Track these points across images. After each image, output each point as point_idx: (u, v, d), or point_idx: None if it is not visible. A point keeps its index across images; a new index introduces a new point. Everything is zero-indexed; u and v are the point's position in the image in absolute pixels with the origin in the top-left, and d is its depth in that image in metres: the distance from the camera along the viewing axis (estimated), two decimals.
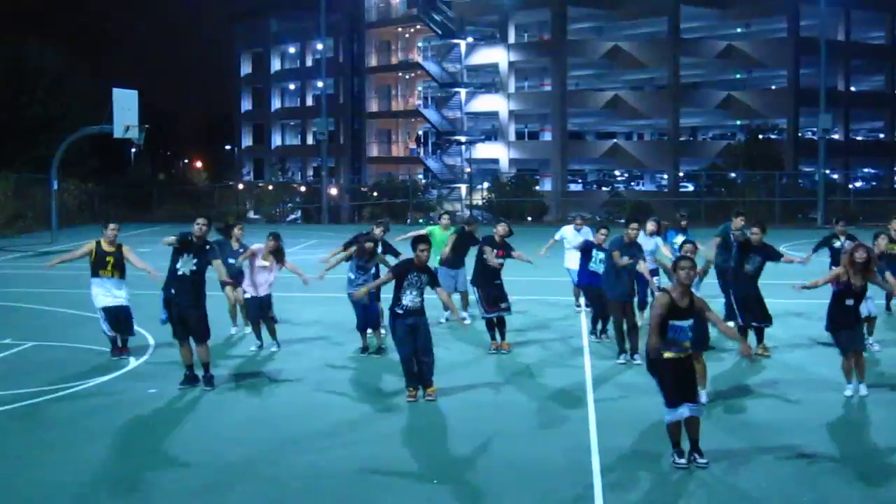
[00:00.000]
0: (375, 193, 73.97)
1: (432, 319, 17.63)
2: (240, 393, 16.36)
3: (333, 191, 78.39)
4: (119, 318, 18.71)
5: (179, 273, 16.25)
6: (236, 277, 20.55)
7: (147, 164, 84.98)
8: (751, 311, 18.71)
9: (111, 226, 18.83)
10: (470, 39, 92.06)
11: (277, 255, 19.57)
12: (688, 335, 12.50)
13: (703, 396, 14.02)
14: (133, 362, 18.34)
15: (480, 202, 69.71)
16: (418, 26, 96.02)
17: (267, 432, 13.99)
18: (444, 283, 21.68)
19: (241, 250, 20.72)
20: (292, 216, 73.29)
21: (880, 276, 16.73)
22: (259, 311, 19.71)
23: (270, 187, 78.46)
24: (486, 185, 73.51)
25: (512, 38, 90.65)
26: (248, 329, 20.88)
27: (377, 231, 20.38)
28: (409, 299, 15.57)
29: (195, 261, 16.25)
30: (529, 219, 64.55)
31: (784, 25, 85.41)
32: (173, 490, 11.75)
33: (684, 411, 12.36)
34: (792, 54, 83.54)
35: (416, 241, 15.85)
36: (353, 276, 19.05)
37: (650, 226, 21.93)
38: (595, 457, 12.75)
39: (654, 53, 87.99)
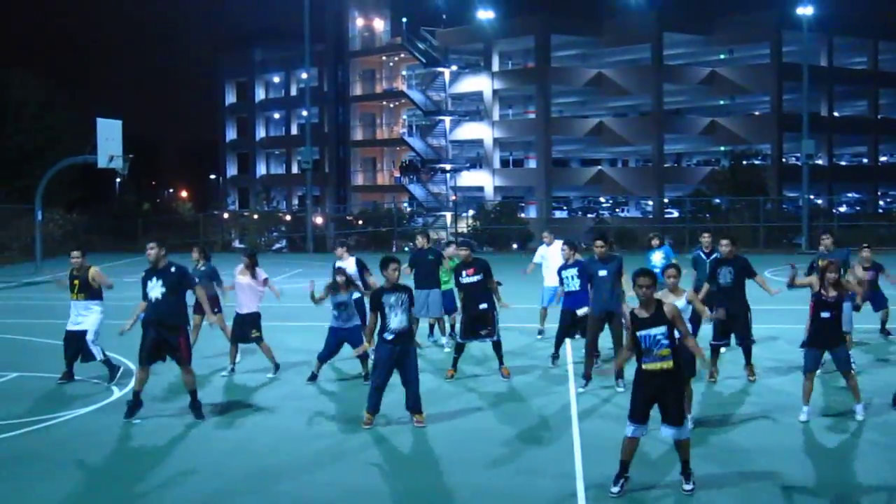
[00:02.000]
0: (361, 222, 73.98)
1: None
2: (220, 422, 16.23)
3: (319, 219, 78.42)
4: (70, 343, 19.12)
5: (152, 299, 16.20)
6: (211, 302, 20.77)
7: (132, 194, 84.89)
8: (729, 329, 18.74)
9: (73, 254, 19.35)
10: (454, 68, 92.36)
11: (252, 270, 20.00)
12: (661, 343, 12.33)
13: (688, 422, 13.82)
14: (117, 392, 18.22)
15: (466, 230, 69.67)
16: (402, 55, 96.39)
17: (247, 462, 13.88)
18: (432, 309, 21.83)
19: (203, 268, 21.32)
20: (277, 245, 73.15)
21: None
22: (241, 330, 19.86)
23: (255, 216, 78.36)
24: (471, 212, 73.50)
25: (496, 66, 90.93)
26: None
27: (339, 251, 20.97)
28: (396, 322, 15.39)
29: (160, 282, 16.18)
30: (515, 246, 64.55)
31: (767, 51, 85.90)
32: None
33: (640, 430, 12.37)
34: (775, 80, 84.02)
35: (387, 262, 15.75)
36: (336, 314, 18.93)
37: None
38: (580, 485, 12.67)
39: (637, 80, 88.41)
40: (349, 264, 20.64)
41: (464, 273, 19.30)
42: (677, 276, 15.49)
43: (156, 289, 16.18)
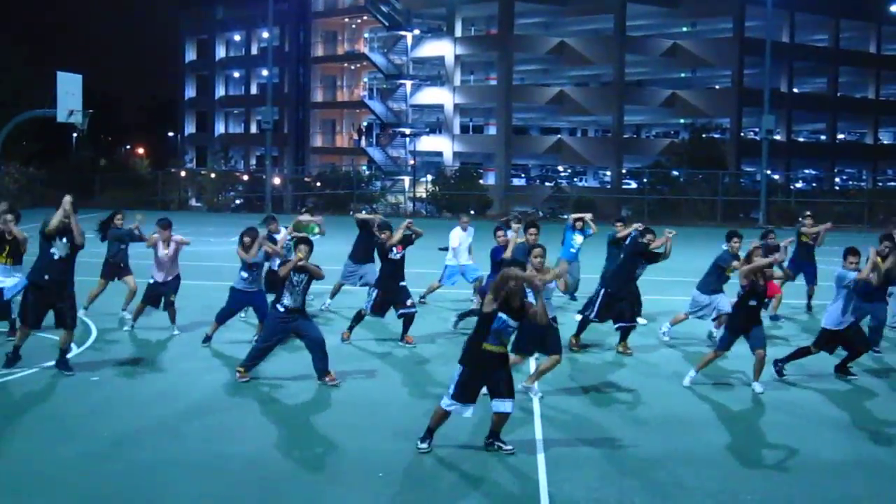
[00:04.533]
0: (319, 184, 73.81)
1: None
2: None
3: (276, 180, 78.14)
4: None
5: (56, 258, 16.25)
6: (126, 264, 21.49)
7: (89, 150, 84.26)
8: (619, 313, 18.97)
9: (7, 217, 18.90)
10: (417, 32, 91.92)
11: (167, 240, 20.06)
12: (510, 335, 12.83)
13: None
14: (75, 349, 18.12)
15: (424, 195, 69.67)
16: (365, 17, 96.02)
17: (208, 420, 14.00)
18: (349, 279, 22.18)
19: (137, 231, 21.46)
20: (235, 203, 72.93)
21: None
22: (157, 300, 20.20)
23: (213, 175, 78.04)
24: (429, 177, 73.45)
25: (459, 32, 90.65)
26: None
27: (272, 226, 21.51)
28: (290, 301, 15.93)
29: (67, 244, 16.27)
30: (473, 212, 64.52)
31: (729, 26, 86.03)
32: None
33: (468, 412, 12.68)
34: (736, 55, 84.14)
35: (296, 243, 16.25)
36: (245, 275, 19.03)
37: (515, 224, 22.20)
38: (540, 451, 12.81)
39: (599, 50, 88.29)
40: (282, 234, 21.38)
41: (393, 250, 19.62)
42: (544, 257, 15.47)
43: (62, 248, 16.35)
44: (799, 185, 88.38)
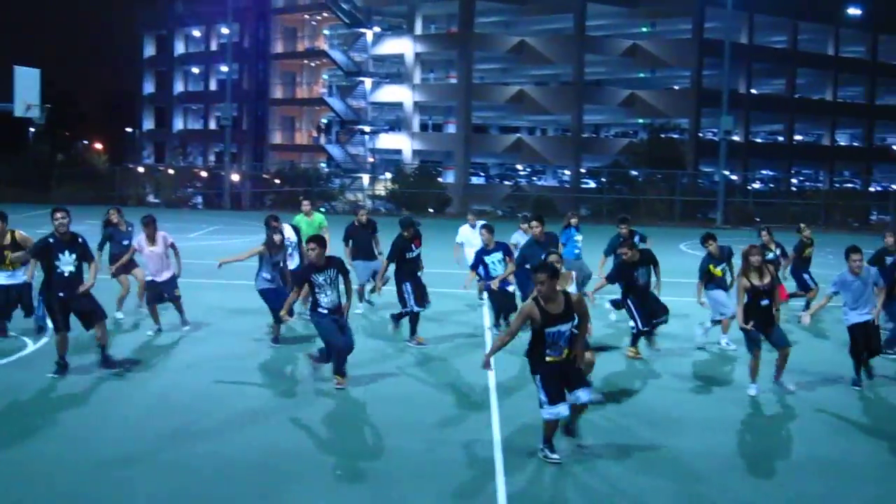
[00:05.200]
0: (278, 181, 73.70)
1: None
2: (142, 379, 16.21)
3: (235, 177, 77.91)
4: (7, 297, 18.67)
5: (66, 275, 15.92)
6: (132, 259, 21.05)
7: (46, 144, 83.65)
8: (652, 313, 18.77)
9: None
10: (377, 29, 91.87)
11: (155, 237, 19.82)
12: (567, 338, 12.42)
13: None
14: (31, 346, 18.02)
15: (383, 192, 69.62)
16: (325, 14, 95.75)
17: (169, 420, 13.86)
18: (362, 275, 21.79)
19: (130, 228, 21.44)
20: (193, 201, 72.65)
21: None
22: (158, 295, 19.79)
23: (171, 171, 77.71)
24: (388, 175, 73.44)
25: (419, 30, 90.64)
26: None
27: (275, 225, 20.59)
28: (327, 301, 15.64)
29: (74, 258, 15.95)
30: (431, 210, 64.59)
31: (689, 27, 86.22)
32: (71, 479, 11.62)
33: (565, 409, 12.43)
34: (695, 55, 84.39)
35: (307, 241, 15.91)
36: (267, 276, 18.86)
37: (524, 225, 22.27)
38: (498, 452, 12.77)
39: (559, 49, 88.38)
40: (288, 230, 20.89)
41: (412, 247, 19.51)
42: (562, 263, 15.37)
43: (68, 263, 15.95)
44: (756, 185, 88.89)
